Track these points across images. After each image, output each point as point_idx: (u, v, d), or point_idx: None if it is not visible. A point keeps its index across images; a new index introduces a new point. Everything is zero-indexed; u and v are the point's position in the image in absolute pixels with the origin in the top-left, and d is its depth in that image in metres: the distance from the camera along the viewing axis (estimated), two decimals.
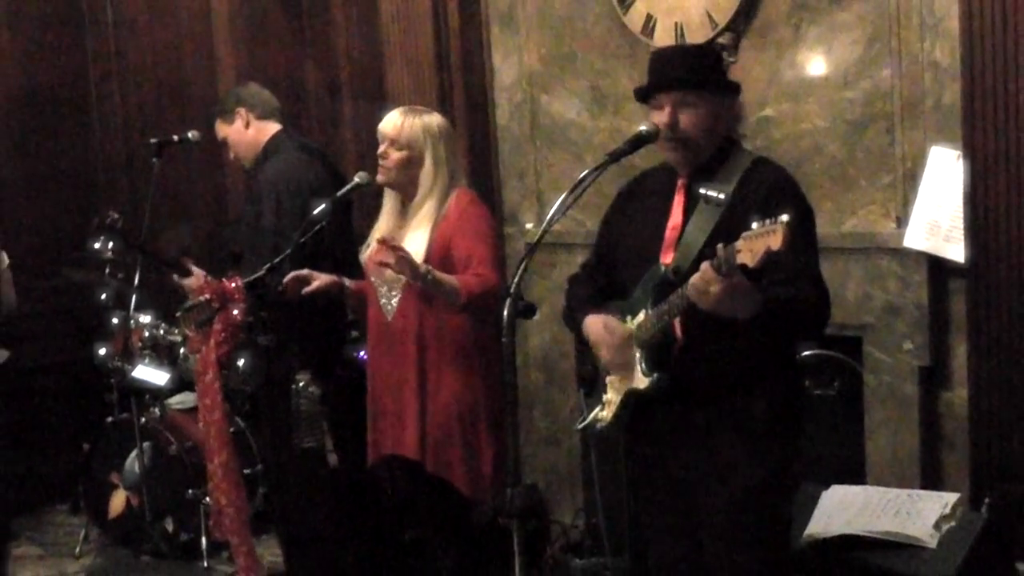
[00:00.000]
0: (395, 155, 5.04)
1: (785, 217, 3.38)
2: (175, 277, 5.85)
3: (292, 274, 5.16)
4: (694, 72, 3.99)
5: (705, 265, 3.56)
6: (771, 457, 3.97)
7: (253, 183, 6.25)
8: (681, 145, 3.97)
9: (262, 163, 6.11)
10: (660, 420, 4.04)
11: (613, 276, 4.26)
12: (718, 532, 3.99)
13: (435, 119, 5.17)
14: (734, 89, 4.18)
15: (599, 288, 4.29)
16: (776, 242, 3.36)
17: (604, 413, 4.16)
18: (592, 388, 4.31)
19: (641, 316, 3.96)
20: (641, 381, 3.95)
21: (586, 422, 4.29)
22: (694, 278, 3.59)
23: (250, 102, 6.18)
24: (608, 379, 4.15)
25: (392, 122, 5.08)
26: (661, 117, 3.97)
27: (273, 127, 6.19)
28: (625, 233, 4.21)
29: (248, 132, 6.13)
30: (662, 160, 4.17)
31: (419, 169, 5.03)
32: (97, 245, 6.54)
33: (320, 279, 5.19)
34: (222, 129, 6.22)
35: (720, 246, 3.54)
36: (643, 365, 3.95)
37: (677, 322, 3.87)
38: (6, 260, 6.05)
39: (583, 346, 4.23)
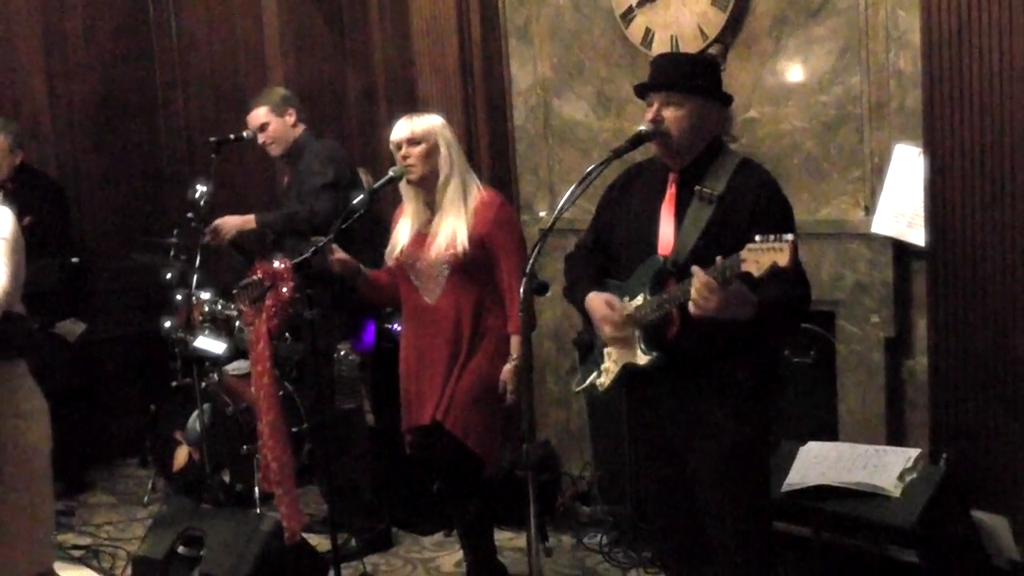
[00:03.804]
0: (416, 150, 5.05)
1: (791, 236, 3.42)
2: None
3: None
4: (683, 76, 3.99)
5: (704, 277, 3.57)
6: (753, 418, 3.98)
7: (291, 173, 6.39)
8: (664, 139, 3.97)
9: (296, 156, 6.33)
10: (655, 387, 4.05)
11: (608, 257, 4.27)
12: (708, 484, 4.01)
13: (434, 115, 5.25)
14: (723, 98, 4.13)
15: (597, 267, 4.28)
16: (783, 259, 3.40)
17: (603, 379, 4.16)
18: (587, 355, 4.31)
19: (639, 299, 3.96)
20: (641, 358, 3.96)
21: (584, 386, 4.29)
22: (694, 291, 3.60)
23: (296, 106, 6.36)
24: (606, 349, 4.15)
25: (404, 127, 5.11)
26: (649, 113, 3.99)
27: (302, 127, 6.35)
28: (621, 219, 4.20)
29: (293, 130, 6.31)
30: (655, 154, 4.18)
31: (437, 156, 5.06)
32: (189, 214, 6.62)
33: (342, 253, 5.18)
34: (267, 116, 6.39)
35: (719, 258, 3.56)
36: (642, 345, 3.96)
37: (675, 309, 3.88)
38: None
39: (584, 314, 4.24)
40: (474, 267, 5.04)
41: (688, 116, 3.95)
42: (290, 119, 6.37)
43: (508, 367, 5.04)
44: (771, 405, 4.08)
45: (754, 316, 3.65)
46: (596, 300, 4.10)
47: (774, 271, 3.43)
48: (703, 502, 4.05)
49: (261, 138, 6.42)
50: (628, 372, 4.05)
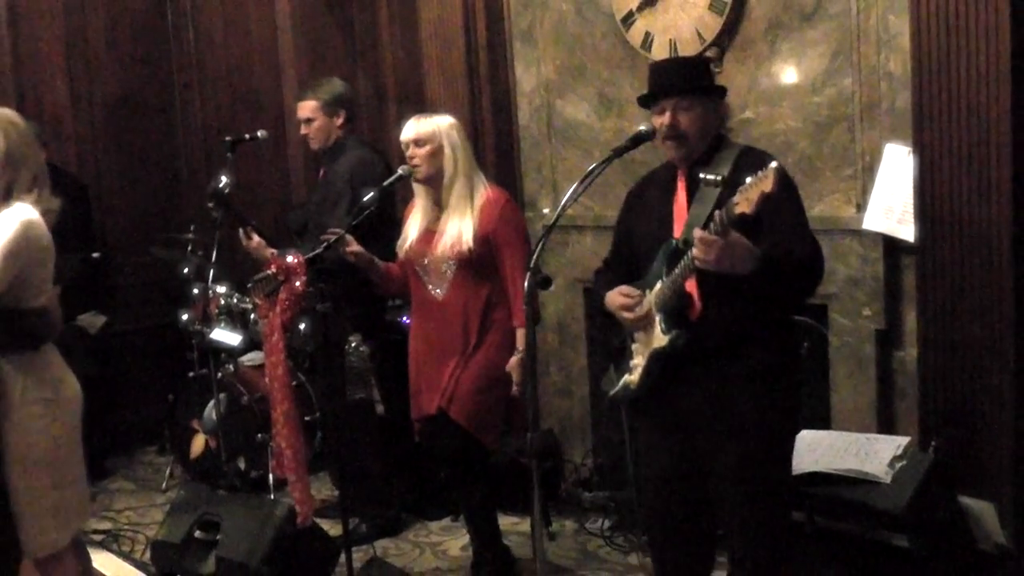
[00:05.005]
0: (421, 151, 5.08)
1: (774, 163, 3.41)
2: (240, 232, 5.99)
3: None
4: (689, 80, 4.03)
5: (699, 231, 3.58)
6: (777, 407, 3.95)
7: (325, 170, 6.27)
8: (682, 142, 3.99)
9: (334, 154, 6.15)
10: (679, 371, 3.99)
11: (632, 265, 4.22)
12: (729, 476, 3.96)
13: (441, 116, 5.27)
14: (721, 93, 4.23)
15: (619, 275, 4.25)
16: (768, 185, 3.38)
17: (633, 376, 4.13)
18: (620, 360, 4.27)
19: (658, 286, 3.96)
20: (661, 340, 3.93)
21: (616, 389, 4.26)
22: (695, 248, 3.60)
23: (350, 106, 6.24)
24: (634, 346, 4.13)
25: (411, 128, 5.15)
26: (663, 119, 3.99)
27: (347, 128, 6.23)
28: (638, 225, 4.21)
29: (340, 130, 6.18)
30: (663, 161, 4.21)
31: (442, 156, 5.09)
32: (210, 204, 6.55)
33: (356, 246, 5.21)
34: (315, 112, 6.20)
35: (717, 211, 3.57)
36: (662, 325, 3.95)
37: (695, 290, 3.89)
38: None
39: (610, 320, 4.21)
40: (480, 263, 5.06)
41: (700, 116, 4.00)
42: (339, 120, 6.19)
43: (514, 359, 5.06)
44: (793, 393, 4.05)
45: (760, 268, 3.63)
46: (611, 295, 4.11)
47: (763, 200, 3.41)
48: (720, 492, 4.01)
49: (304, 130, 6.26)
50: (655, 360, 4.02)
